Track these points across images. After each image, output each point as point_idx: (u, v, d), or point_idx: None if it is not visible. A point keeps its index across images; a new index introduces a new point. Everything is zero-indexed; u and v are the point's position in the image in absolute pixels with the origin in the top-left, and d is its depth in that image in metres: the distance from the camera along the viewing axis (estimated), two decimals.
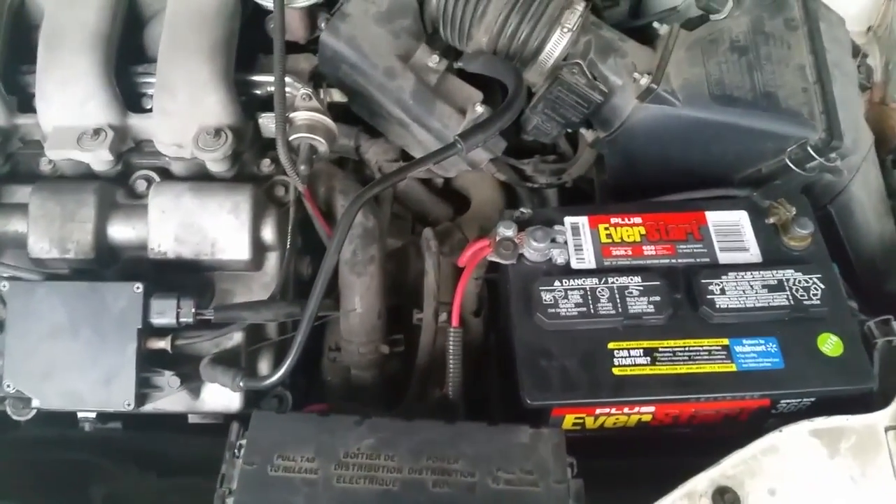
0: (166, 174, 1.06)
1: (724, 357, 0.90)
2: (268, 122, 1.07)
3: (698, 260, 0.98)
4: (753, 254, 0.98)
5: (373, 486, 0.81)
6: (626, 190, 1.20)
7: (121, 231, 1.01)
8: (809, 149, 1.04)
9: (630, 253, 0.98)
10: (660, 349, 0.91)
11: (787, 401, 0.91)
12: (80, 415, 1.05)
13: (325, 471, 0.81)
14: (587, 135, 1.22)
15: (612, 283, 0.94)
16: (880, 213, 1.18)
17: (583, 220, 1.01)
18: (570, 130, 1.20)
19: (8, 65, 1.07)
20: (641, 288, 0.93)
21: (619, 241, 0.99)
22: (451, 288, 1.11)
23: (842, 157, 1.06)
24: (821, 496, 0.80)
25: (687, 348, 0.91)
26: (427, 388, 1.06)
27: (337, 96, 1.15)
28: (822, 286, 0.94)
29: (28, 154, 1.08)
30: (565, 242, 0.99)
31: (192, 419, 1.05)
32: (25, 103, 1.08)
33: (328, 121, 1.03)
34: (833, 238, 1.11)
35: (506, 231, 0.98)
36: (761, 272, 0.95)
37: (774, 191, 1.05)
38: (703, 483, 0.81)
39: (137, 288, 0.92)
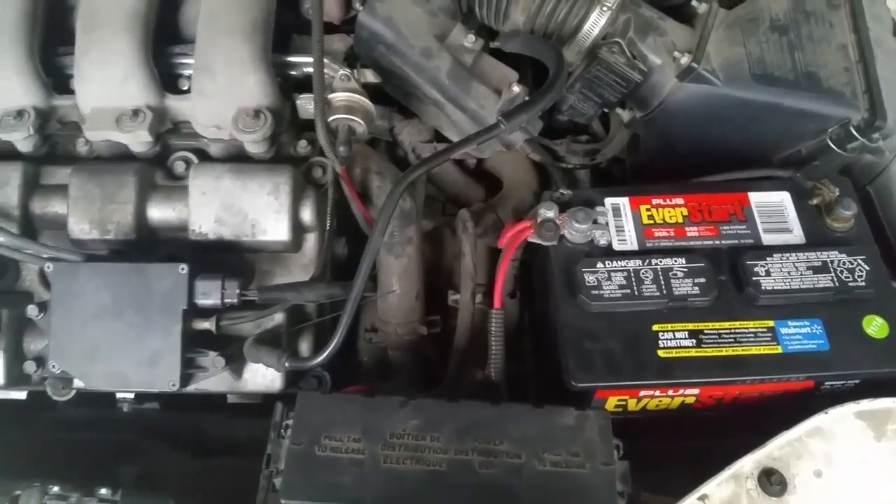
0: (204, 155, 1.06)
1: (769, 339, 0.90)
2: (305, 104, 1.07)
3: (742, 241, 0.97)
4: (797, 235, 0.98)
5: (419, 467, 0.81)
6: (661, 170, 1.19)
7: (161, 212, 1.02)
8: (852, 129, 1.03)
9: (673, 234, 0.98)
10: (705, 331, 0.90)
11: (832, 383, 0.91)
12: (118, 395, 1.06)
13: (371, 451, 0.82)
14: (623, 115, 1.21)
15: (656, 264, 0.94)
16: None
17: (624, 201, 1.01)
18: (605, 110, 1.19)
19: (46, 47, 1.07)
20: (686, 269, 0.93)
21: (662, 222, 0.99)
22: (486, 269, 1.11)
23: (884, 138, 1.05)
24: (867, 478, 0.80)
25: (732, 330, 0.91)
26: (465, 369, 1.07)
27: (371, 77, 1.14)
28: (867, 267, 0.94)
29: (65, 135, 1.08)
30: (607, 224, 0.98)
31: (230, 399, 1.06)
32: (63, 85, 1.07)
33: (366, 102, 1.03)
34: (872, 219, 1.10)
35: (547, 212, 0.98)
36: (805, 253, 0.94)
37: (815, 171, 1.04)
38: (749, 465, 0.81)
39: (182, 269, 0.92)
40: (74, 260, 0.96)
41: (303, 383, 1.03)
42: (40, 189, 1.03)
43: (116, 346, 0.92)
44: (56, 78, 1.08)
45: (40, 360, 0.99)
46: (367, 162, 1.10)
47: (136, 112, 1.01)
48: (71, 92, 1.05)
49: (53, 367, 0.93)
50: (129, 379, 0.93)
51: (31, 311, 0.96)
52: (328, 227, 1.03)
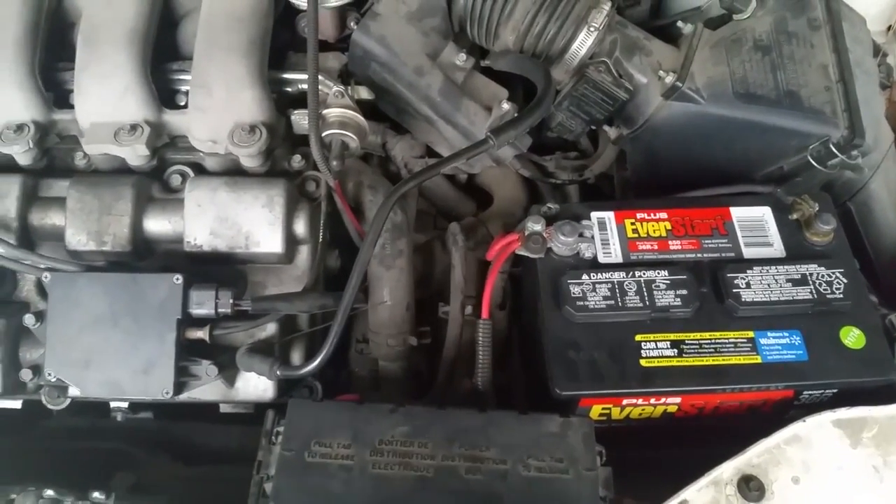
0: (200, 169, 1.08)
1: (749, 349, 0.92)
2: (300, 119, 1.09)
3: (723, 255, 1.00)
4: (777, 249, 1.00)
5: (407, 473, 0.83)
6: (647, 187, 1.22)
7: (157, 224, 1.03)
8: (832, 146, 1.06)
9: (656, 247, 1.00)
10: (686, 341, 0.93)
11: (811, 392, 0.93)
12: (112, 404, 1.08)
13: (360, 457, 0.84)
14: (610, 132, 1.24)
15: (640, 276, 0.96)
16: None
17: (609, 215, 1.03)
18: (593, 127, 1.22)
19: (46, 62, 1.09)
20: (668, 282, 0.95)
21: (646, 235, 1.01)
22: (476, 281, 1.13)
23: (863, 155, 1.08)
24: (843, 485, 0.82)
25: (713, 341, 0.93)
26: (454, 378, 1.08)
27: (364, 94, 1.17)
28: (845, 280, 0.96)
29: (64, 149, 1.10)
30: (592, 237, 1.01)
31: (223, 409, 1.07)
32: (62, 99, 1.10)
33: (360, 118, 1.06)
34: (852, 234, 1.12)
35: (534, 226, 1.00)
36: (785, 267, 0.97)
37: (796, 187, 1.06)
38: (728, 471, 0.82)
39: (177, 279, 0.94)
40: (71, 270, 0.98)
41: (294, 392, 1.04)
42: (39, 201, 1.05)
43: (111, 355, 0.94)
44: (56, 92, 1.10)
45: (36, 369, 1.00)
46: (360, 176, 1.13)
47: (133, 127, 1.03)
48: (70, 106, 1.07)
49: (49, 374, 0.95)
50: (124, 387, 0.95)
51: (28, 320, 0.98)
52: (321, 240, 1.05)
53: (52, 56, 1.11)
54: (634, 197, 1.25)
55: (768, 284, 0.95)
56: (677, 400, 0.92)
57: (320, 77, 1.05)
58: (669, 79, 1.08)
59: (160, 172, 1.08)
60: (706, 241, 1.01)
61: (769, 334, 0.93)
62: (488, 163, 1.23)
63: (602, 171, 1.32)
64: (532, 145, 1.21)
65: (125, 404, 1.08)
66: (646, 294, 0.95)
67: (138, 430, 1.12)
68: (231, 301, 0.94)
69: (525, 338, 1.14)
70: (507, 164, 1.25)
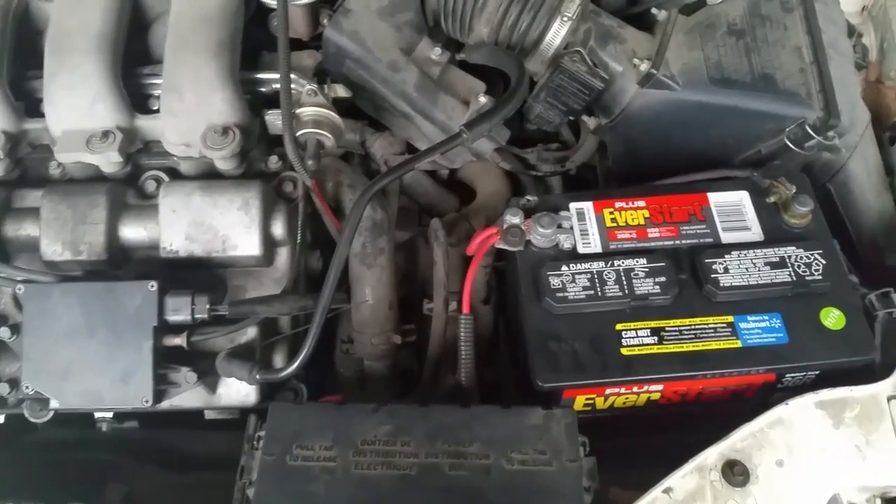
0: (175, 174, 1.08)
1: (729, 334, 0.92)
2: (274, 119, 1.09)
3: (702, 240, 0.99)
4: (755, 232, 1.00)
5: (390, 472, 0.83)
6: (628, 176, 1.21)
7: (132, 231, 1.03)
8: (808, 128, 1.06)
9: (635, 236, 1.00)
10: (666, 328, 0.92)
11: (792, 374, 0.93)
12: (97, 415, 1.07)
13: (343, 458, 0.83)
14: (589, 122, 1.24)
15: (619, 265, 0.96)
16: (878, 190, 1.20)
17: (588, 206, 1.03)
18: (572, 118, 1.21)
19: (14, 71, 1.08)
20: (647, 269, 0.95)
21: (624, 224, 1.01)
22: (459, 277, 1.13)
23: (840, 136, 1.08)
24: (827, 465, 0.82)
25: (693, 327, 0.93)
26: (439, 375, 1.08)
27: (341, 91, 1.16)
28: (824, 261, 0.96)
29: (37, 158, 1.09)
30: (571, 228, 1.01)
31: (208, 415, 1.07)
32: (33, 108, 1.09)
33: (334, 116, 1.05)
34: (833, 215, 1.12)
35: (513, 218, 1.00)
36: (763, 250, 0.96)
37: (774, 170, 1.06)
38: (712, 457, 0.82)
39: (152, 286, 0.93)
40: (47, 282, 0.97)
41: (278, 396, 1.03)
42: (12, 212, 1.04)
43: (89, 365, 0.93)
44: (26, 102, 1.09)
45: (14, 383, 0.99)
46: (339, 175, 1.12)
47: (105, 133, 1.02)
48: (42, 115, 1.07)
49: (27, 387, 0.94)
50: (103, 397, 0.94)
51: (4, 333, 0.97)
52: (299, 241, 1.05)
53: (22, 65, 1.10)
54: (617, 186, 1.25)
55: (746, 268, 0.95)
56: (660, 387, 0.92)
57: (293, 76, 1.05)
58: (644, 66, 1.08)
59: (135, 179, 1.08)
60: (684, 228, 1.00)
61: (749, 318, 0.93)
62: (468, 157, 1.23)
63: (584, 162, 1.32)
64: (514, 138, 1.20)
65: (109, 414, 1.07)
66: (625, 283, 0.94)
67: (124, 439, 1.11)
68: (208, 306, 0.94)
69: (509, 331, 1.13)
70: (487, 157, 1.24)
